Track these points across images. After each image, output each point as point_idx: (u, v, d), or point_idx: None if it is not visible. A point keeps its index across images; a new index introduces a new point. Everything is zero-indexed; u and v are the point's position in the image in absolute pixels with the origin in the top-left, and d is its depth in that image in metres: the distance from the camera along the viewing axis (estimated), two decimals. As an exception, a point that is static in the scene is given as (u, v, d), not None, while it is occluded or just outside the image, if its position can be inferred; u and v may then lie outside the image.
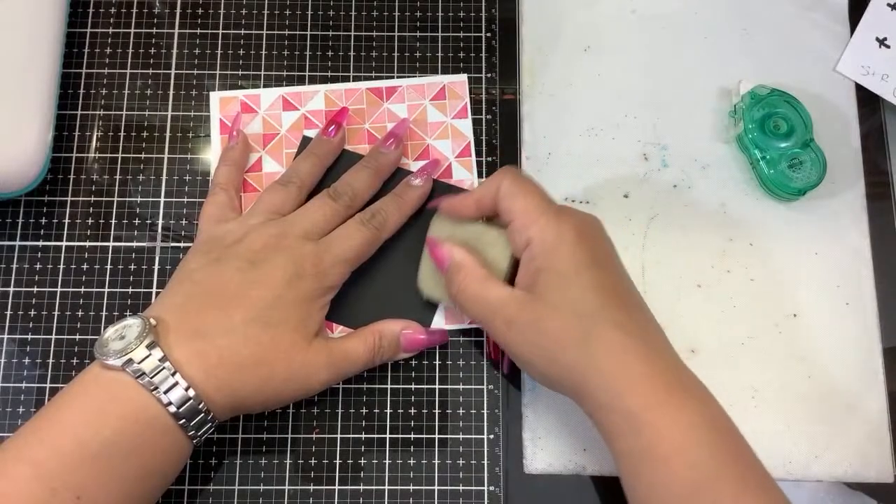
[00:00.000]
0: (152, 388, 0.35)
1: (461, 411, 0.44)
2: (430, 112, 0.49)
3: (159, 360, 0.36)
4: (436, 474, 0.43)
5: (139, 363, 0.36)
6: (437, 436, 0.44)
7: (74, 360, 0.45)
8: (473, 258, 0.40)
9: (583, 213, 0.39)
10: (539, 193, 0.39)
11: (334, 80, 0.50)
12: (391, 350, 0.43)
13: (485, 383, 0.45)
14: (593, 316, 0.35)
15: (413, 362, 0.45)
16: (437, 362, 0.45)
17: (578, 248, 0.36)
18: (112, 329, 0.38)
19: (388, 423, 0.44)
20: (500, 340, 0.39)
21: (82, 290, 0.46)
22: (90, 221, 0.47)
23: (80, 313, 0.46)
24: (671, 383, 0.34)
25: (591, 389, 0.35)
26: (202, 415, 0.37)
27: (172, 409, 0.36)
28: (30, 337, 0.45)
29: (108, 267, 0.47)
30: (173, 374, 0.36)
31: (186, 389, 0.36)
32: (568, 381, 0.36)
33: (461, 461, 0.44)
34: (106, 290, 0.46)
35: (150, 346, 0.36)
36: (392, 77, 0.50)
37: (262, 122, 0.48)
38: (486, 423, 0.44)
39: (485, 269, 0.39)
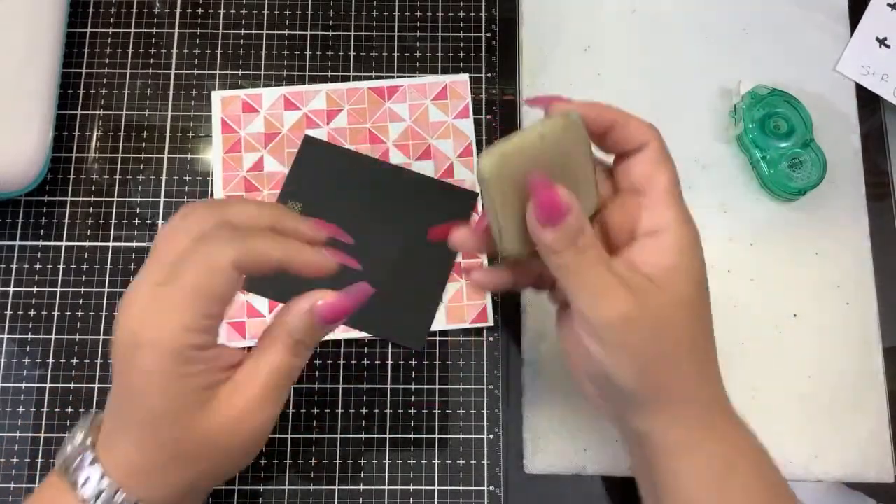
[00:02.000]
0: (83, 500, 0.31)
1: (461, 411, 0.44)
2: (431, 112, 0.49)
3: (100, 475, 0.31)
4: (436, 474, 0.43)
5: (73, 471, 0.32)
6: (437, 436, 0.44)
7: (74, 360, 0.45)
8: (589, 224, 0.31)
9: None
10: (677, 174, 0.33)
11: (334, 80, 0.50)
12: (311, 333, 0.33)
13: (485, 383, 0.45)
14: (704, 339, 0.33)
15: (413, 362, 0.45)
16: (437, 362, 0.45)
17: (699, 266, 0.32)
18: (69, 435, 0.33)
19: (388, 423, 0.44)
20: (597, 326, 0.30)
21: (82, 290, 0.46)
22: (90, 221, 0.47)
23: (80, 313, 0.46)
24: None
25: (678, 400, 0.32)
26: None
27: None
28: (30, 337, 0.45)
29: (108, 267, 0.46)
30: (104, 481, 0.31)
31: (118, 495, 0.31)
32: (652, 392, 0.31)
33: (461, 461, 0.44)
34: (106, 290, 0.46)
35: (93, 462, 0.32)
36: (392, 77, 0.50)
37: (263, 122, 0.48)
38: (486, 423, 0.44)
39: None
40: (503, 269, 0.35)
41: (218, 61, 0.50)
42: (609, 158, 0.35)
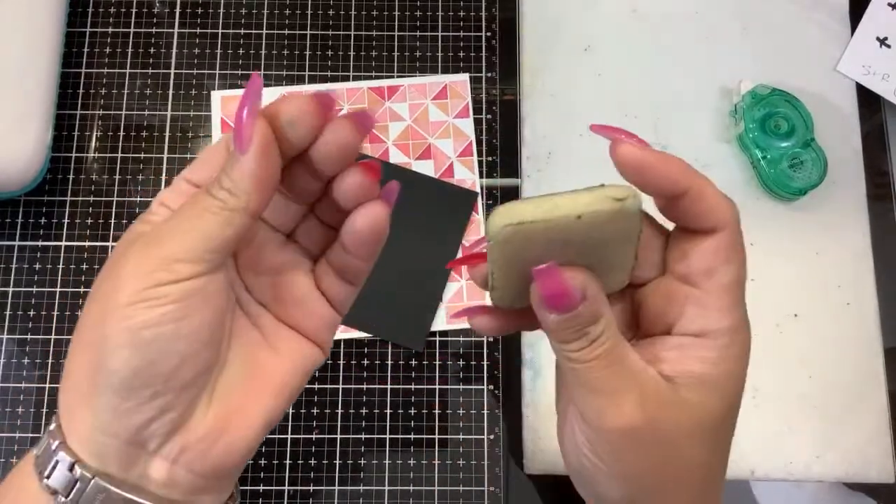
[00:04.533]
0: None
1: (461, 411, 0.44)
2: (431, 111, 0.49)
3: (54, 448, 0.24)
4: (436, 475, 0.43)
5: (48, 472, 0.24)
6: (436, 436, 0.44)
7: (74, 360, 0.45)
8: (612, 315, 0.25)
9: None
10: (745, 270, 0.26)
11: (334, 79, 0.50)
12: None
13: (485, 383, 0.45)
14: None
15: (413, 362, 0.45)
16: (437, 362, 0.45)
17: (740, 386, 0.25)
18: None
19: (388, 423, 0.44)
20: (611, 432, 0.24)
21: (82, 290, 0.46)
22: (90, 221, 0.47)
23: (79, 313, 0.46)
24: None
25: None
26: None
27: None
28: (29, 337, 0.45)
29: (108, 267, 0.46)
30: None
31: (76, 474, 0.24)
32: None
33: (461, 462, 0.44)
34: (106, 290, 0.46)
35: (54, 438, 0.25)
36: (392, 77, 0.50)
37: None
38: (486, 424, 0.44)
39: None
40: (508, 315, 0.28)
41: (218, 61, 0.50)
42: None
